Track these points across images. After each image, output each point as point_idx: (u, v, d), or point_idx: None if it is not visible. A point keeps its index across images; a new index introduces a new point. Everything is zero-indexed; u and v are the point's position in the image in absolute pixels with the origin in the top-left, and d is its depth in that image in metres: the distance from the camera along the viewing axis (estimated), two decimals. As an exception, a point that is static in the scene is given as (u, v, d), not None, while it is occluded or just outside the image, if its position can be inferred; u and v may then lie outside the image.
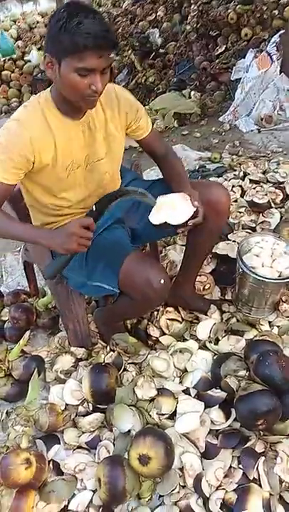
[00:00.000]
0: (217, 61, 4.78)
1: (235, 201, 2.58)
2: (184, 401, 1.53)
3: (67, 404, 1.66)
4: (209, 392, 1.56)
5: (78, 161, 1.47)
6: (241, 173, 2.91)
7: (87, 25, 1.17)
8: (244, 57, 4.58)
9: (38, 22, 6.02)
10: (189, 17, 5.05)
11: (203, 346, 1.77)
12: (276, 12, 4.74)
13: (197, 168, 3.35)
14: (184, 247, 1.91)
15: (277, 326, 1.80)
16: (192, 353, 1.71)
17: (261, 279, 1.67)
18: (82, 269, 1.55)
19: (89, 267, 1.53)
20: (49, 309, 2.09)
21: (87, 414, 1.61)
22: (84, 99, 1.31)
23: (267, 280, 1.68)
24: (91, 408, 1.63)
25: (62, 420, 1.60)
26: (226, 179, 2.92)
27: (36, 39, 5.77)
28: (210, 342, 1.77)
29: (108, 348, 1.82)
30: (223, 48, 4.85)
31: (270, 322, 1.83)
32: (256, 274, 1.68)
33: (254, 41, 4.70)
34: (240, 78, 4.50)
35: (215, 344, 1.76)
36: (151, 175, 1.92)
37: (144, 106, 5.24)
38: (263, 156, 3.54)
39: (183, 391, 1.59)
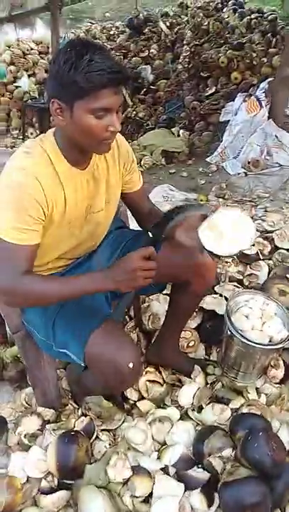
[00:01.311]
0: (207, 102, 4.81)
1: (222, 249, 2.49)
2: (162, 482, 1.36)
3: (28, 477, 1.46)
4: (190, 471, 1.39)
5: (80, 213, 1.33)
6: (228, 219, 2.83)
7: (99, 62, 1.08)
8: (233, 100, 4.62)
9: (31, 49, 6.02)
10: (181, 57, 5.11)
11: (184, 414, 1.62)
12: (265, 60, 4.85)
13: (183, 209, 3.26)
14: (168, 297, 1.78)
15: (265, 394, 1.67)
16: (172, 423, 1.55)
17: (252, 344, 1.55)
18: (48, 331, 1.39)
19: (56, 330, 1.36)
20: (17, 360, 1.90)
21: (51, 490, 1.42)
22: (101, 143, 1.19)
23: (258, 346, 1.55)
24: (56, 483, 1.44)
25: (22, 497, 1.41)
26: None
27: (29, 65, 5.75)
28: (193, 410, 1.62)
29: (80, 411, 1.65)
30: (213, 90, 4.90)
31: (257, 389, 1.70)
32: (246, 339, 1.56)
33: (243, 85, 4.77)
34: (229, 120, 4.52)
35: (198, 412, 1.61)
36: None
37: (132, 141, 5.18)
38: (250, 201, 3.51)
39: (161, 469, 1.42)
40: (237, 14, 5.31)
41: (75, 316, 1.36)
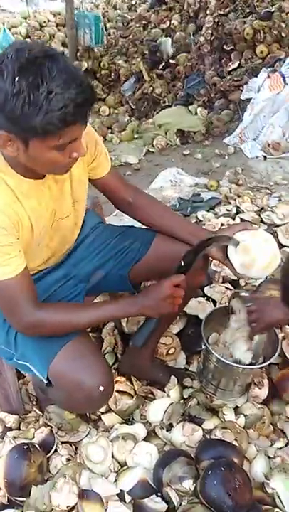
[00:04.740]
0: (228, 78, 4.47)
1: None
2: (114, 510, 1.24)
3: (-20, 490, 1.37)
4: (147, 500, 1.27)
5: (46, 221, 1.19)
6: (234, 210, 2.61)
7: (59, 93, 0.87)
8: (257, 76, 4.28)
9: (49, 21, 5.80)
10: (204, 28, 4.75)
11: (152, 432, 1.49)
12: (296, 31, 4.43)
13: (190, 196, 3.05)
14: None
15: (245, 415, 1.50)
16: (136, 442, 1.42)
17: (228, 363, 1.38)
18: (10, 338, 1.26)
19: (18, 339, 1.24)
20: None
21: (1, 506, 1.33)
22: (61, 169, 1.07)
23: (234, 365, 1.38)
24: (6, 499, 1.35)
25: None
26: (216, 214, 2.63)
27: (45, 38, 5.56)
28: (161, 428, 1.48)
29: (41, 420, 1.54)
30: (236, 64, 4.54)
31: (237, 408, 1.53)
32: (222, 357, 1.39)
33: (269, 60, 4.39)
34: (251, 98, 4.20)
35: (168, 431, 1.47)
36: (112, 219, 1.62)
37: (148, 119, 4.89)
38: (265, 188, 3.25)
39: (117, 494, 1.30)
40: (268, -20, 4.87)
41: None
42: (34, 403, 1.63)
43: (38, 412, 1.58)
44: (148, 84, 4.71)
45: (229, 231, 1.28)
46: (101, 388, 1.16)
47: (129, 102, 4.82)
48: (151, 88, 4.69)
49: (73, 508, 1.23)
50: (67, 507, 1.22)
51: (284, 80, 3.89)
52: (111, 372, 1.28)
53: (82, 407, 1.31)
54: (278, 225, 2.44)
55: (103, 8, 6.04)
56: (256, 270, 1.23)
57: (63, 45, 5.49)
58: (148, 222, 1.44)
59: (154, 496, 1.28)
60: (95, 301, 1.66)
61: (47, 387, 1.26)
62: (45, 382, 1.21)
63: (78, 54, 5.35)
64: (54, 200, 1.19)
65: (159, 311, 1.18)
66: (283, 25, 4.41)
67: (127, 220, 2.35)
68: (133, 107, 4.76)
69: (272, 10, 4.55)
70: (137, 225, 1.52)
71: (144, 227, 1.51)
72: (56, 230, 1.25)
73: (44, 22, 5.74)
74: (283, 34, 4.43)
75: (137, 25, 5.32)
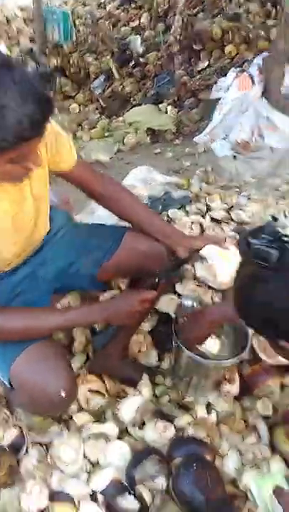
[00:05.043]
0: (198, 77, 4.51)
1: (193, 241, 2.30)
2: (87, 511, 1.23)
3: None
4: (119, 499, 1.26)
5: (8, 226, 1.15)
6: (204, 208, 2.63)
7: (15, 109, 0.84)
8: (226, 76, 4.33)
9: (16, 16, 5.68)
10: (173, 27, 4.77)
11: (125, 431, 1.47)
12: (262, 32, 4.51)
13: (161, 194, 3.05)
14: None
15: (217, 411, 1.51)
16: (108, 441, 1.41)
17: (198, 360, 1.38)
18: None
19: None
20: None
21: None
22: (16, 179, 1.04)
23: (204, 362, 1.39)
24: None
25: None
26: (186, 212, 2.64)
27: (13, 34, 5.45)
28: (134, 426, 1.47)
29: (11, 421, 1.50)
30: (206, 64, 4.59)
31: (209, 404, 1.54)
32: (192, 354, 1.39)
33: (238, 60, 4.46)
34: (220, 98, 4.24)
35: (140, 428, 1.46)
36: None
37: (118, 117, 4.86)
38: (235, 186, 3.29)
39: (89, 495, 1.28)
40: (236, -19, 4.94)
41: None
42: (3, 404, 1.59)
43: (8, 414, 1.54)
44: (118, 82, 4.69)
45: (201, 241, 1.40)
46: (63, 393, 1.13)
47: (99, 99, 4.79)
48: (121, 86, 4.67)
49: (44, 510, 1.21)
50: (38, 509, 1.19)
51: (252, 80, 3.96)
52: (74, 376, 1.25)
53: (45, 410, 1.28)
54: (247, 223, 2.48)
55: (72, 5, 5.97)
56: (220, 284, 1.48)
57: (31, 40, 5.39)
58: (119, 213, 1.44)
59: (127, 494, 1.27)
60: (64, 299, 1.64)
61: (10, 390, 1.23)
62: (8, 385, 1.19)
63: (47, 50, 5.26)
64: (16, 204, 1.15)
65: (123, 321, 1.24)
66: (251, 26, 4.49)
67: (98, 215, 2.34)
68: (103, 105, 4.73)
69: (240, 11, 4.63)
70: (109, 220, 1.51)
71: (114, 224, 1.49)
72: (19, 232, 1.21)
73: (11, 16, 5.62)
74: (251, 35, 4.51)
75: (107, 22, 5.29)
